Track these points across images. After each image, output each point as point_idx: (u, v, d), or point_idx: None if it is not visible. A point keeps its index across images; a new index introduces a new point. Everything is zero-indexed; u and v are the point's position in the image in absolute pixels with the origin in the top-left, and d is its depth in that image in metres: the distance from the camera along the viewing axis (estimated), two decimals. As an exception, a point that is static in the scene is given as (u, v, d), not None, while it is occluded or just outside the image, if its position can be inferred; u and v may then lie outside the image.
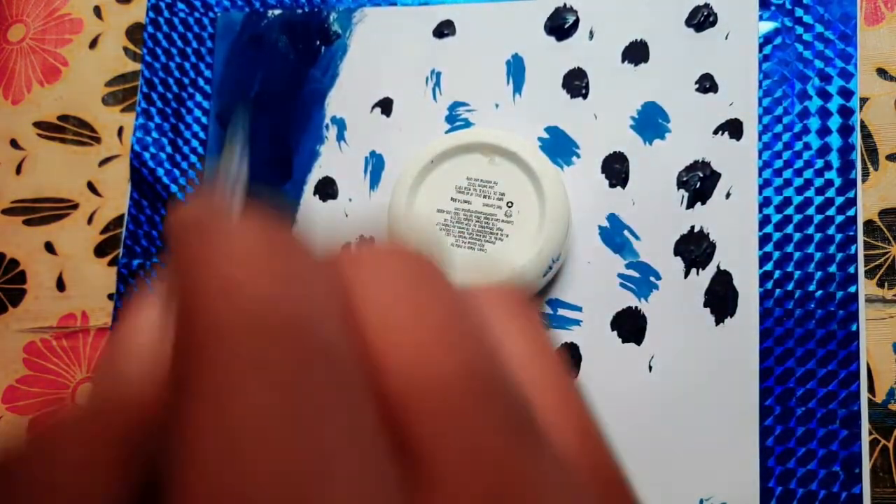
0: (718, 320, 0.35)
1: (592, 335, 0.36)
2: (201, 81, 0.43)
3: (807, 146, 0.36)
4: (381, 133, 0.40)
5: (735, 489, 0.34)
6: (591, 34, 0.39)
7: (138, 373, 0.11)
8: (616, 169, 0.37)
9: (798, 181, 0.36)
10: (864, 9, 0.37)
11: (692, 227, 0.36)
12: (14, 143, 0.44)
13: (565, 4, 0.40)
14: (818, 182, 0.36)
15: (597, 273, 0.37)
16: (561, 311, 0.37)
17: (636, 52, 0.38)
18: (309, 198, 0.40)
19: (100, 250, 0.42)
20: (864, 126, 0.36)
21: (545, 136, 0.38)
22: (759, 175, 0.36)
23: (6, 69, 0.45)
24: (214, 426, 0.09)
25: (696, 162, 0.37)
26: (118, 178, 0.43)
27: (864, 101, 0.36)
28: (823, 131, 0.36)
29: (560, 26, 0.39)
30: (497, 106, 0.39)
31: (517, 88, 0.39)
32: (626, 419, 0.35)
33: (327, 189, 0.40)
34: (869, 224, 0.35)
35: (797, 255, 0.35)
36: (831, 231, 0.35)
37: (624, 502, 0.12)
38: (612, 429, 0.38)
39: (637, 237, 0.36)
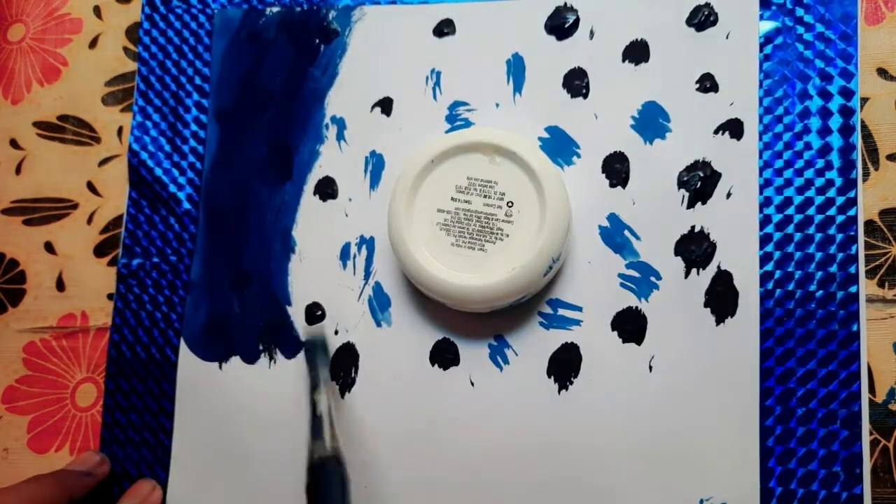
0: (719, 320, 0.35)
1: (592, 335, 0.36)
2: (199, 79, 0.43)
3: (807, 146, 0.36)
4: (381, 133, 0.40)
5: (735, 489, 0.34)
6: (592, 33, 0.39)
7: None
8: (616, 169, 0.37)
9: (799, 181, 0.36)
10: (865, 9, 0.37)
11: (692, 227, 0.36)
12: (14, 143, 0.44)
13: (566, 4, 0.39)
14: (819, 182, 0.35)
15: (597, 273, 0.36)
16: (561, 311, 0.36)
17: (637, 52, 0.38)
18: (309, 197, 0.40)
19: (99, 250, 0.42)
20: (864, 126, 0.36)
21: (545, 135, 0.38)
22: (760, 175, 0.36)
23: (6, 69, 0.45)
24: None
25: (696, 162, 0.37)
26: (118, 178, 0.43)
27: (864, 100, 0.36)
28: (824, 131, 0.36)
29: (560, 25, 0.39)
30: (497, 105, 0.39)
31: (517, 88, 0.39)
32: (626, 419, 0.35)
33: (327, 189, 0.40)
34: (869, 224, 0.35)
35: (798, 254, 0.35)
36: (832, 231, 0.35)
37: None
38: (613, 429, 0.39)
39: (637, 237, 0.36)
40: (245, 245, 0.40)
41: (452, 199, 0.35)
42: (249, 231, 0.41)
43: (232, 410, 0.39)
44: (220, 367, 0.39)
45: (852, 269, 0.35)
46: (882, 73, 0.36)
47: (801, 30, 0.37)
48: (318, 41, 0.42)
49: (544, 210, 0.34)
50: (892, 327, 0.34)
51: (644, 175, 0.37)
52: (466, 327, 0.37)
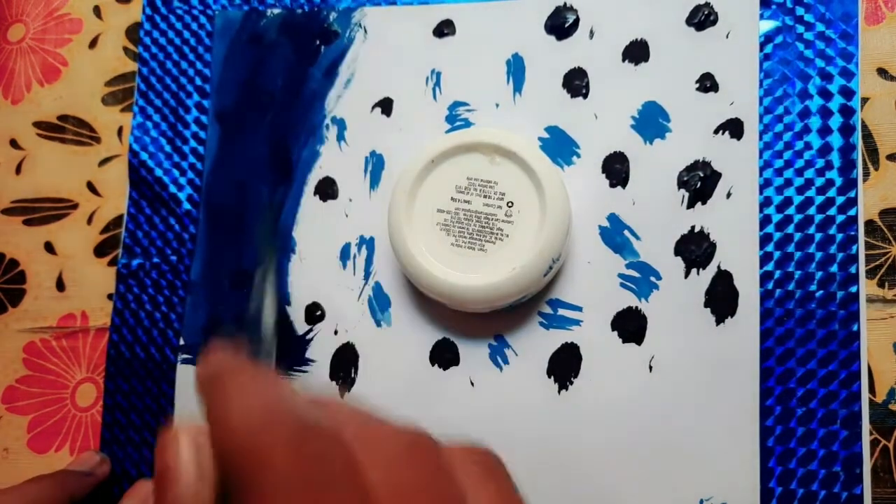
0: (719, 320, 0.35)
1: (592, 335, 0.36)
2: (199, 80, 0.43)
3: (808, 146, 0.36)
4: (381, 133, 0.40)
5: (735, 489, 0.34)
6: (592, 33, 0.39)
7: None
8: (616, 169, 0.37)
9: (799, 181, 0.36)
10: (865, 8, 0.37)
11: (693, 227, 0.36)
12: (14, 143, 0.44)
13: (566, 3, 0.39)
14: (819, 182, 0.35)
15: (597, 273, 0.36)
16: (561, 311, 0.36)
17: (637, 52, 0.38)
18: (309, 198, 0.40)
19: (99, 250, 0.42)
20: (864, 126, 0.36)
21: (545, 135, 0.38)
22: (760, 174, 0.36)
23: (6, 69, 0.45)
24: None
25: (696, 161, 0.37)
26: (118, 178, 0.43)
27: (864, 100, 0.36)
28: (824, 131, 0.36)
29: (560, 25, 0.39)
30: (497, 105, 0.39)
31: (517, 88, 0.39)
32: (627, 419, 0.35)
33: (327, 189, 0.40)
34: (869, 224, 0.35)
35: (798, 254, 0.35)
36: (832, 231, 0.35)
37: None
38: (613, 429, 0.38)
39: (637, 237, 0.36)
40: (245, 245, 0.40)
41: (452, 199, 0.35)
42: (250, 231, 0.41)
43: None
44: (220, 367, 0.39)
45: (852, 269, 0.34)
46: (882, 72, 0.36)
47: (801, 29, 0.37)
48: (318, 42, 0.42)
49: (544, 210, 0.34)
50: (892, 327, 0.34)
51: (644, 175, 0.37)
52: (466, 327, 0.37)
